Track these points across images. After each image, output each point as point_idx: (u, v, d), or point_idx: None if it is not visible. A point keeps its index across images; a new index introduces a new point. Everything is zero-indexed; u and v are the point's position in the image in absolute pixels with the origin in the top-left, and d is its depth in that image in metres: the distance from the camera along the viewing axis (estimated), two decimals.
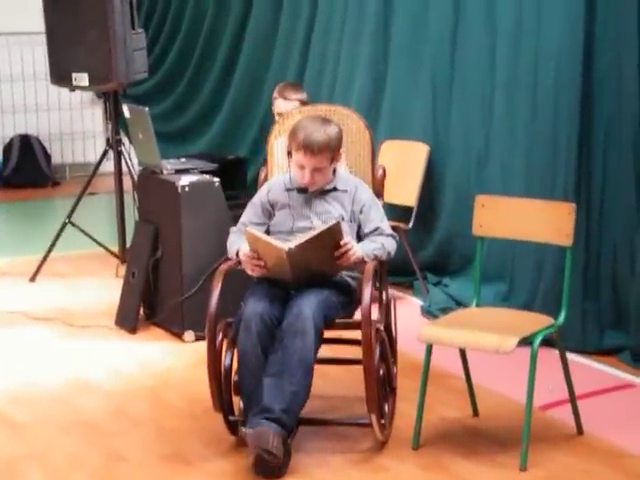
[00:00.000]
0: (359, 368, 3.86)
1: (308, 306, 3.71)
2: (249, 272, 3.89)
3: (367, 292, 3.72)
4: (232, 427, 3.91)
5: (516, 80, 5.24)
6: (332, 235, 3.74)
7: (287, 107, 5.30)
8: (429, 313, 5.49)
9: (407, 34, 5.97)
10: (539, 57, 5.03)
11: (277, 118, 5.31)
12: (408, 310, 5.45)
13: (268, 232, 4.05)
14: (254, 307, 3.76)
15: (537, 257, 5.05)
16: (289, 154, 3.97)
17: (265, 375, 3.68)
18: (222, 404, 3.86)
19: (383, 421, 3.87)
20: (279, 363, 3.68)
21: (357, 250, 3.82)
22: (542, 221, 3.98)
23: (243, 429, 3.68)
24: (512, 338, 3.65)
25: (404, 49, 6.00)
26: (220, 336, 3.86)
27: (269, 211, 4.06)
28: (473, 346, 3.79)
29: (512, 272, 5.33)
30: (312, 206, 4.00)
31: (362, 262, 3.86)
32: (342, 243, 3.77)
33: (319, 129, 3.87)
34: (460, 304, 5.45)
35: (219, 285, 3.83)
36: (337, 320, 3.89)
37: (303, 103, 5.36)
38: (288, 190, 4.04)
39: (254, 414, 3.66)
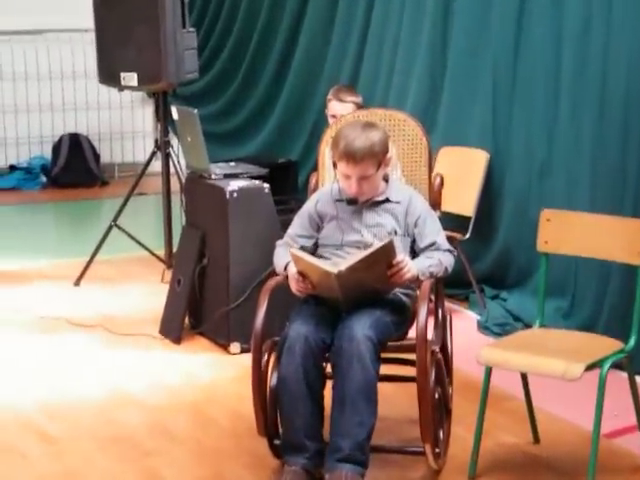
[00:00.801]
0: (412, 386, 3.64)
1: (360, 328, 3.47)
2: (295, 292, 3.67)
3: (423, 314, 3.47)
4: (277, 451, 3.70)
5: (583, 85, 4.98)
6: (385, 254, 3.50)
7: (342, 109, 5.11)
8: (486, 329, 5.24)
9: (467, 36, 5.73)
10: (608, 61, 4.77)
11: (331, 121, 5.11)
12: (464, 324, 5.22)
13: (316, 245, 3.84)
14: (299, 329, 3.52)
15: (602, 272, 4.79)
16: (334, 165, 3.74)
17: (333, 407, 3.48)
18: (267, 428, 3.64)
19: (438, 450, 3.64)
20: (340, 393, 3.45)
21: (411, 268, 3.57)
22: (611, 238, 3.73)
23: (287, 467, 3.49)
24: (579, 365, 3.40)
25: (464, 51, 5.76)
26: (266, 356, 3.64)
27: (317, 223, 3.84)
28: (537, 371, 3.54)
29: (574, 287, 5.07)
30: (362, 218, 3.76)
31: (417, 280, 3.63)
32: (395, 262, 3.53)
33: (360, 135, 3.63)
34: (519, 320, 5.22)
35: (265, 302, 3.62)
36: (390, 343, 3.65)
37: (358, 106, 5.16)
38: (337, 201, 3.81)
39: (329, 452, 3.46)
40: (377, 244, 3.54)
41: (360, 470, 3.44)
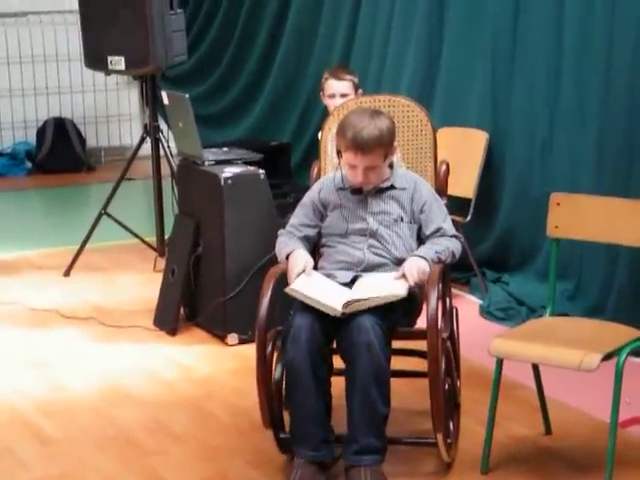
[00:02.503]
0: (419, 380, 3.57)
1: (369, 316, 3.37)
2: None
3: (433, 299, 3.37)
4: (282, 445, 3.58)
5: (586, 59, 4.84)
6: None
7: (339, 87, 4.96)
8: (488, 313, 5.13)
9: (464, 10, 5.60)
10: (613, 34, 4.63)
11: (328, 102, 4.96)
12: (466, 309, 5.02)
13: (320, 234, 3.73)
14: (304, 317, 3.41)
15: (608, 254, 4.69)
16: (339, 153, 3.61)
17: (346, 397, 3.39)
18: (272, 420, 3.52)
19: (449, 440, 3.53)
20: (352, 382, 3.37)
21: (417, 267, 3.49)
22: (623, 222, 3.60)
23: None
24: (595, 355, 3.28)
25: (460, 27, 5.62)
26: (270, 346, 3.52)
27: (321, 212, 3.72)
28: (551, 362, 3.41)
29: (580, 270, 4.96)
30: (367, 206, 3.65)
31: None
32: (396, 278, 3.48)
33: (368, 124, 3.50)
34: (522, 304, 5.09)
35: (269, 291, 3.49)
36: (400, 329, 3.54)
37: (355, 84, 5.01)
38: (340, 189, 3.69)
39: (346, 443, 3.40)
40: (384, 295, 3.40)
41: (378, 458, 3.41)
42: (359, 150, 3.50)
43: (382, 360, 3.36)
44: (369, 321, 3.36)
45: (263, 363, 3.48)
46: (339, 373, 3.54)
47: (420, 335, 3.49)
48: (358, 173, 3.56)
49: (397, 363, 3.77)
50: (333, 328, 3.43)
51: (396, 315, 3.49)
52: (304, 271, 3.53)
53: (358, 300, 3.37)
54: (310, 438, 3.42)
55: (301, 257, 3.60)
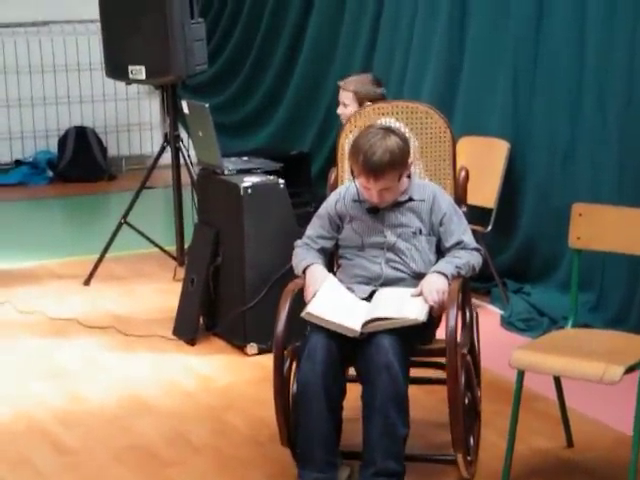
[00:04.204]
0: (439, 388, 3.53)
1: (387, 335, 3.32)
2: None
3: (452, 316, 3.33)
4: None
5: (608, 67, 4.80)
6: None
7: (341, 96, 4.94)
8: (510, 324, 5.09)
9: (486, 19, 5.55)
10: (635, 43, 4.58)
11: (339, 111, 4.93)
12: (487, 320, 5.01)
13: (337, 246, 3.70)
14: (320, 336, 3.37)
15: (630, 265, 4.63)
16: (352, 173, 3.57)
17: (363, 419, 3.34)
18: (290, 437, 3.48)
19: (469, 458, 3.49)
20: (370, 404, 3.31)
21: (436, 286, 3.44)
22: None
23: None
24: (618, 367, 3.24)
25: (482, 36, 5.58)
26: (288, 362, 3.48)
27: (337, 224, 3.67)
28: (573, 375, 3.37)
29: (602, 280, 4.90)
30: (385, 219, 3.59)
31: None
32: (413, 295, 3.43)
33: (378, 147, 3.43)
34: (543, 315, 5.05)
35: (287, 306, 3.45)
36: (419, 347, 3.51)
37: (359, 99, 4.91)
38: (356, 201, 3.64)
39: (364, 467, 3.33)
40: (407, 318, 3.36)
41: None
42: (371, 175, 3.45)
43: (401, 381, 3.31)
44: (388, 340, 3.31)
45: (281, 381, 3.45)
46: (352, 380, 3.50)
47: (439, 353, 3.45)
48: (373, 194, 3.52)
49: (417, 372, 3.75)
50: (350, 346, 3.38)
51: (415, 334, 3.42)
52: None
53: (377, 320, 3.33)
54: (316, 460, 3.36)
55: (318, 273, 3.56)
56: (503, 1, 5.43)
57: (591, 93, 4.94)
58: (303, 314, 3.40)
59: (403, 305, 3.40)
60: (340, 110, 4.93)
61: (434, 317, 3.52)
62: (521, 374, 3.47)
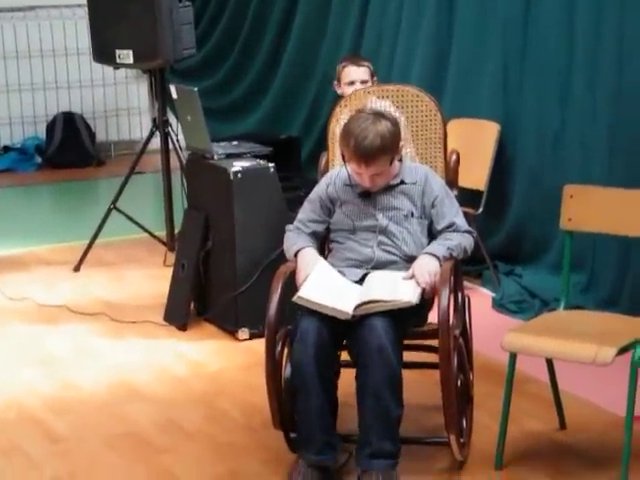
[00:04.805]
0: (432, 372, 3.52)
1: (380, 317, 3.31)
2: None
3: (445, 297, 3.32)
4: (293, 445, 3.54)
5: (598, 49, 4.78)
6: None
7: (359, 73, 4.94)
8: (501, 306, 5.09)
9: (475, 2, 5.52)
10: (625, 22, 4.57)
11: (346, 90, 4.88)
12: (478, 302, 4.99)
13: (329, 230, 3.68)
14: (311, 320, 3.36)
15: (621, 246, 4.63)
16: (344, 157, 3.55)
17: (358, 400, 3.34)
18: (282, 420, 3.48)
19: (462, 440, 3.49)
20: (364, 386, 3.31)
21: (428, 268, 3.43)
22: (639, 214, 3.55)
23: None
24: (610, 349, 3.24)
25: (471, 18, 5.56)
26: (280, 345, 3.47)
27: (329, 208, 3.66)
28: (565, 357, 3.37)
29: (593, 262, 4.90)
30: (376, 202, 3.58)
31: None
32: (404, 278, 3.42)
33: (369, 132, 3.40)
34: (535, 297, 5.05)
35: (278, 289, 3.44)
36: (411, 330, 3.50)
37: (372, 72, 4.96)
38: (348, 185, 3.62)
39: (360, 447, 3.34)
40: (399, 301, 3.34)
41: (391, 462, 3.36)
42: (362, 160, 3.44)
43: (394, 363, 3.31)
44: (381, 323, 3.30)
45: (273, 364, 3.44)
46: (346, 365, 3.50)
47: (432, 335, 3.45)
48: (365, 179, 3.51)
49: (410, 356, 3.74)
50: (342, 328, 3.38)
51: (407, 315, 3.42)
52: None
53: (369, 302, 3.32)
54: (314, 441, 3.37)
55: (310, 256, 3.56)
56: None
57: (581, 74, 4.92)
58: (295, 298, 3.39)
59: (395, 287, 3.39)
60: (356, 88, 4.69)
61: (426, 299, 3.51)
62: (513, 356, 3.46)
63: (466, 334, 3.77)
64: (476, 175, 5.33)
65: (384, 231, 3.55)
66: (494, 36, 5.42)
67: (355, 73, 4.95)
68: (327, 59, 6.95)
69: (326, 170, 3.91)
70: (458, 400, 3.42)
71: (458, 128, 5.41)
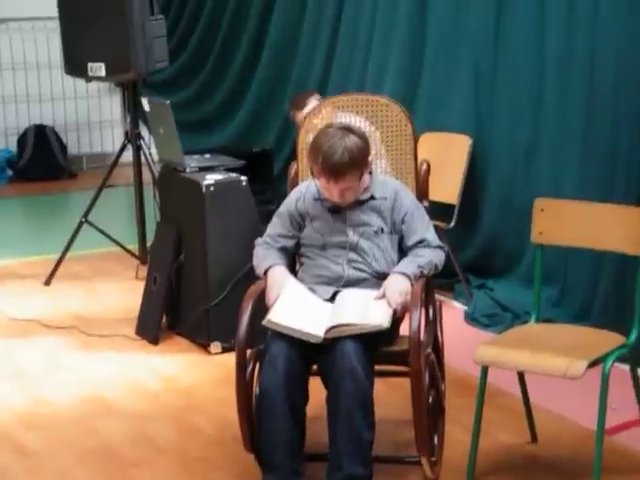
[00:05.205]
0: (404, 384, 3.43)
1: (350, 341, 3.26)
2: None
3: (415, 320, 3.28)
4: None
5: (570, 63, 4.82)
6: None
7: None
8: (473, 320, 5.11)
9: (447, 16, 5.56)
10: (597, 38, 4.61)
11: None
12: (450, 315, 5.00)
13: (299, 246, 3.65)
14: (280, 343, 3.31)
15: (593, 260, 4.65)
16: (312, 173, 3.53)
17: (329, 424, 3.30)
18: (254, 442, 3.42)
19: (434, 458, 3.47)
20: (335, 409, 3.27)
21: (398, 290, 3.40)
22: (609, 227, 3.57)
23: None
24: (581, 362, 3.25)
25: (443, 31, 5.58)
26: (251, 365, 3.42)
27: (299, 223, 3.62)
28: (536, 370, 3.37)
29: (564, 275, 4.93)
30: (347, 218, 3.54)
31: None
32: (376, 298, 3.39)
33: (338, 148, 3.36)
34: (507, 310, 5.07)
35: (248, 310, 3.39)
36: (382, 350, 3.45)
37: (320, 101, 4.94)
38: (317, 200, 3.59)
39: (330, 472, 3.29)
40: (371, 325, 3.31)
41: None
42: (331, 176, 3.40)
43: (366, 385, 3.26)
44: (352, 346, 3.25)
45: (243, 383, 3.38)
46: (315, 373, 3.45)
47: (403, 356, 3.38)
48: (334, 194, 3.47)
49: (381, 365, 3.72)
50: (313, 351, 3.33)
51: (379, 337, 3.36)
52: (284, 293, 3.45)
53: (340, 326, 3.28)
54: (281, 467, 3.31)
55: (279, 276, 3.52)
56: None
57: (552, 89, 4.96)
58: (265, 322, 3.34)
59: (367, 310, 3.35)
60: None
61: (396, 317, 3.47)
62: (485, 370, 3.46)
63: (438, 346, 3.77)
64: (448, 189, 5.35)
65: (354, 248, 3.52)
66: (466, 50, 5.45)
67: (304, 112, 4.95)
68: (300, 73, 6.98)
69: (296, 181, 3.87)
70: (430, 419, 3.39)
71: (430, 141, 5.43)
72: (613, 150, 4.54)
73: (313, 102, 5.02)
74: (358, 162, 3.42)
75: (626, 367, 3.58)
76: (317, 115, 3.94)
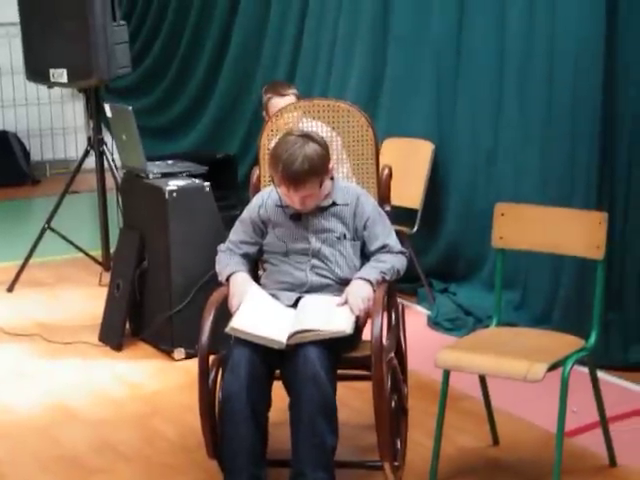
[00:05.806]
0: (367, 388, 3.42)
1: (313, 347, 3.27)
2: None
3: (377, 325, 3.27)
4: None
5: (529, 70, 4.87)
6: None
7: (285, 103, 4.91)
8: (436, 324, 5.13)
9: (408, 22, 5.60)
10: (555, 45, 4.66)
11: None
12: (413, 320, 5.07)
13: (261, 252, 3.65)
14: (243, 349, 3.31)
15: (553, 264, 4.69)
16: (273, 180, 3.54)
17: (292, 431, 3.29)
18: (216, 449, 3.41)
19: (396, 463, 3.47)
20: (298, 416, 3.27)
21: (360, 297, 3.41)
22: (569, 232, 3.60)
23: None
24: (541, 365, 3.27)
25: (405, 38, 5.62)
26: (214, 370, 3.42)
27: (261, 229, 3.62)
28: (497, 374, 3.39)
29: (525, 280, 4.97)
30: (309, 225, 3.55)
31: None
32: (338, 304, 3.40)
33: (298, 156, 3.37)
34: (469, 314, 5.11)
35: (211, 316, 3.38)
36: (344, 356, 3.45)
37: (297, 97, 4.98)
38: (279, 206, 3.59)
39: (292, 477, 3.28)
40: (333, 330, 3.31)
41: None
42: (291, 184, 3.41)
43: (329, 391, 3.26)
44: (314, 351, 3.26)
45: (206, 390, 3.37)
46: (278, 378, 3.44)
47: (366, 361, 3.37)
48: (295, 201, 3.48)
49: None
50: (275, 357, 3.33)
51: (341, 342, 3.37)
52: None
53: (302, 332, 3.29)
54: (242, 472, 3.30)
55: (241, 282, 3.52)
56: (425, 4, 5.46)
57: (513, 95, 5.00)
58: (228, 329, 3.34)
59: (329, 316, 3.36)
60: None
61: (359, 322, 3.47)
62: (447, 374, 3.48)
63: (401, 350, 3.78)
64: (411, 194, 5.38)
65: (317, 254, 3.53)
66: (428, 56, 5.49)
67: (281, 103, 4.93)
68: (264, 79, 6.96)
69: (257, 186, 3.86)
70: (392, 424, 3.40)
71: (393, 147, 5.47)
72: (572, 154, 4.58)
73: (291, 97, 5.00)
74: (318, 170, 3.43)
75: (586, 370, 3.61)
76: (283, 117, 3.94)
